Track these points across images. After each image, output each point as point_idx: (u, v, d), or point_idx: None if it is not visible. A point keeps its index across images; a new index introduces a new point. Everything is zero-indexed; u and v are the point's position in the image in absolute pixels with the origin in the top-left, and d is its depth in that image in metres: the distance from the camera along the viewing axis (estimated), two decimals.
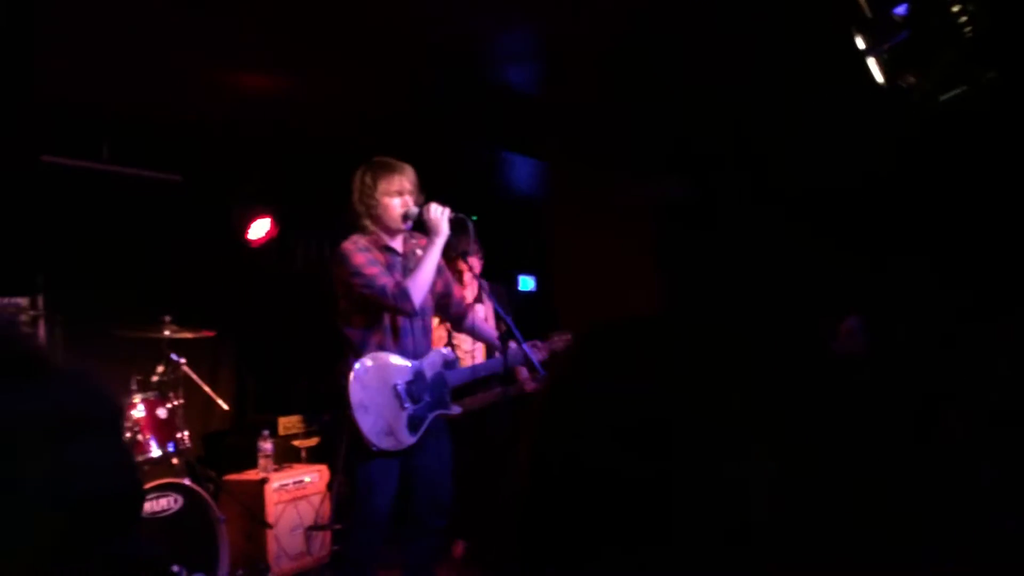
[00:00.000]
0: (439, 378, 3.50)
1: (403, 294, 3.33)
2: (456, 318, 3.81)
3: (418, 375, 3.44)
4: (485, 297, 4.97)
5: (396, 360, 3.41)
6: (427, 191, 3.64)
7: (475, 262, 4.91)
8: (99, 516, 1.18)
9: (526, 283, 7.45)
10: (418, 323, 3.50)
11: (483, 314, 4.89)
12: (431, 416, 3.44)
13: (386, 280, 3.34)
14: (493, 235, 4.98)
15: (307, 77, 5.14)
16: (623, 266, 5.62)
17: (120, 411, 1.23)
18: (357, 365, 3.31)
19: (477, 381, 3.96)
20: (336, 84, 5.30)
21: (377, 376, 3.34)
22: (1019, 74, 3.75)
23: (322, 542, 4.99)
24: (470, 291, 4.90)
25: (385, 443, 3.28)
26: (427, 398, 3.43)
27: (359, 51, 4.90)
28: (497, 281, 5.30)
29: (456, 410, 3.57)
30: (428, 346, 3.56)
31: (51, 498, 1.14)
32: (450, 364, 3.58)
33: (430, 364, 3.50)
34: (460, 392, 4.06)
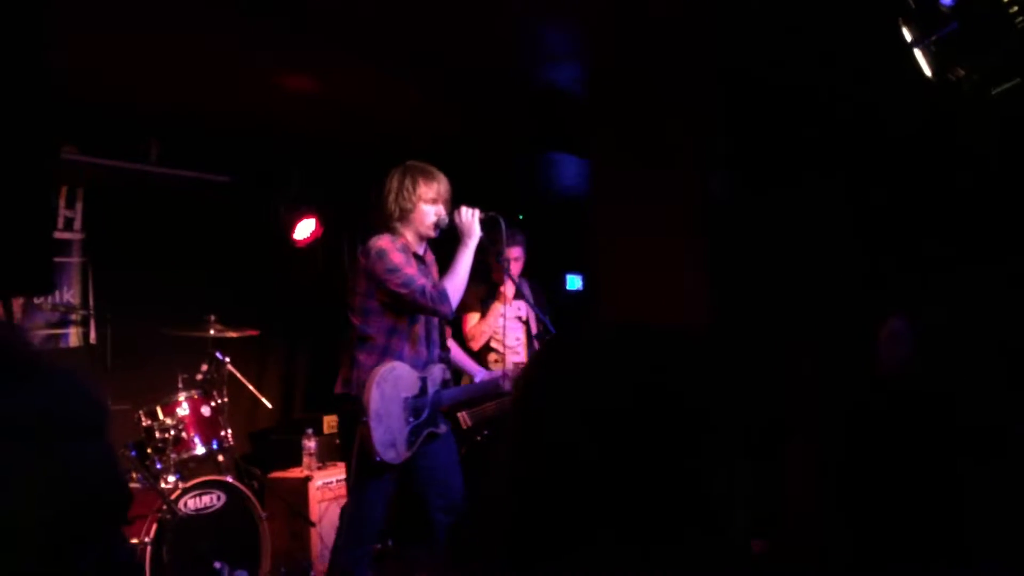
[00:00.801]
0: (436, 396, 3.48)
1: (442, 296, 3.31)
2: None
3: (422, 390, 3.42)
4: (524, 294, 4.94)
5: (410, 371, 3.39)
6: (473, 191, 3.63)
7: (516, 256, 4.89)
8: (85, 519, 1.18)
9: (573, 282, 7.41)
10: (433, 333, 3.49)
11: (524, 312, 4.86)
12: (425, 433, 3.41)
13: (424, 281, 3.32)
14: (540, 234, 4.97)
15: (354, 78, 5.17)
16: (672, 265, 5.53)
17: (108, 414, 1.23)
18: (377, 373, 3.28)
19: (472, 399, 3.95)
20: (382, 85, 5.32)
21: (394, 386, 3.32)
22: None
23: None
24: (509, 287, 4.87)
25: (388, 455, 3.25)
26: (425, 414, 3.41)
27: (403, 51, 4.92)
28: (542, 280, 5.26)
29: (443, 428, 3.52)
30: (437, 358, 3.54)
31: (37, 500, 1.14)
32: (446, 383, 3.55)
33: (432, 380, 3.48)
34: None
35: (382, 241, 3.37)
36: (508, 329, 4.82)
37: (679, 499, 0.96)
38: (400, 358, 3.38)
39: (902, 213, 4.71)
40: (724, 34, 4.73)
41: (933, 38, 3.36)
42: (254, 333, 4.89)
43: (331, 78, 5.11)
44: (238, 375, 4.76)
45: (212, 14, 3.99)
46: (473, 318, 4.84)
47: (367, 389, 3.23)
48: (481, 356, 4.85)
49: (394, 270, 3.30)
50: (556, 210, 6.75)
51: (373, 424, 3.20)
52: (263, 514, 4.27)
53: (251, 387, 4.90)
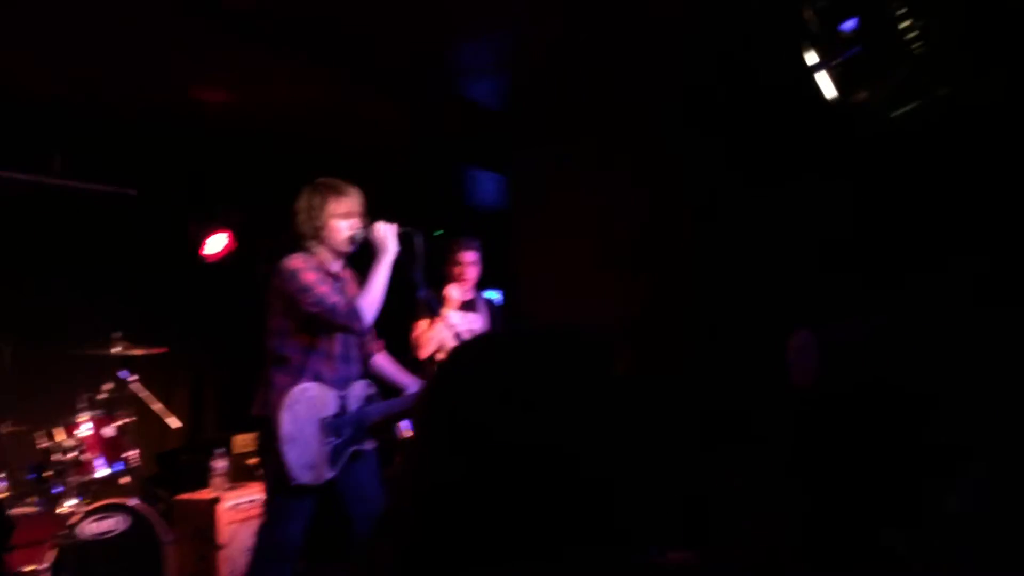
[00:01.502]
0: (361, 413, 3.43)
1: (354, 312, 3.28)
2: (364, 356, 3.69)
3: (343, 408, 3.37)
4: (480, 307, 4.89)
5: (326, 391, 3.33)
6: (388, 207, 3.59)
7: (472, 260, 4.83)
8: None
9: (492, 297, 7.41)
10: (352, 351, 3.44)
11: (478, 326, 4.81)
12: (349, 451, 3.36)
13: (337, 299, 3.29)
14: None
15: (267, 90, 5.10)
16: (594, 279, 5.56)
17: None
18: (288, 396, 3.22)
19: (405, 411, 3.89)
20: (297, 99, 5.25)
21: (307, 408, 3.26)
22: None
23: None
24: (460, 290, 4.82)
25: (306, 477, 3.20)
26: (348, 433, 3.36)
27: (320, 65, 4.87)
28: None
29: (370, 446, 3.47)
30: (358, 375, 3.50)
31: None
32: (371, 399, 3.50)
33: (355, 397, 3.42)
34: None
35: (294, 261, 3.33)
36: (458, 341, 4.72)
37: (592, 511, 0.95)
38: (319, 378, 3.34)
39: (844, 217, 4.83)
40: (654, 49, 4.80)
41: (835, 62, 3.47)
42: (162, 351, 4.75)
43: (244, 89, 5.02)
44: (144, 394, 4.61)
45: (130, 12, 3.88)
46: (421, 324, 4.76)
47: (276, 413, 3.19)
48: (428, 365, 4.75)
49: (306, 289, 3.27)
50: (474, 226, 6.74)
51: (285, 448, 3.16)
52: (169, 537, 4.14)
53: (158, 406, 4.75)
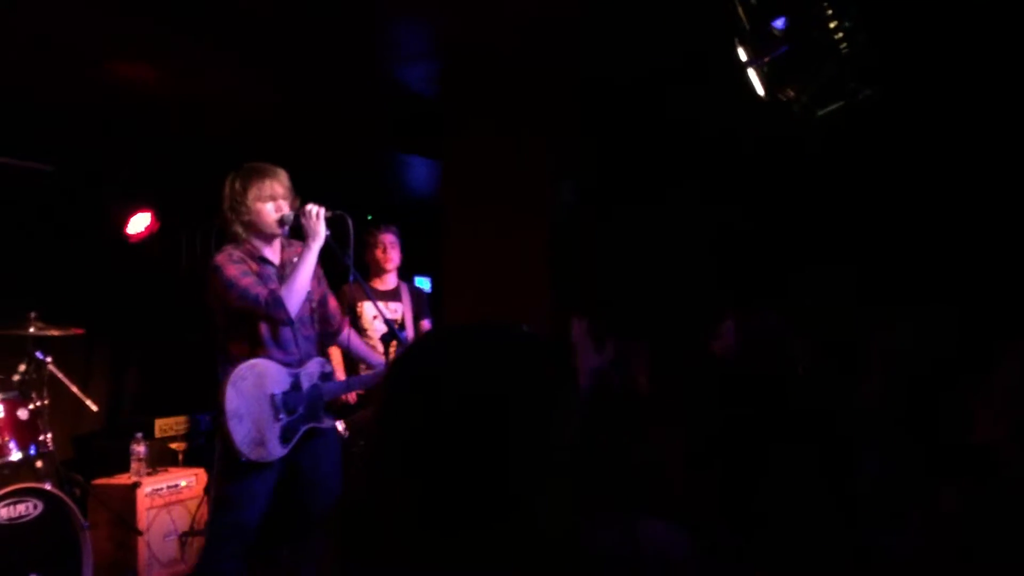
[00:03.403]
0: (315, 390, 3.41)
1: (276, 302, 3.25)
2: (330, 333, 3.69)
3: (295, 385, 3.35)
4: (404, 296, 4.85)
5: (275, 368, 3.31)
6: (316, 191, 3.54)
7: (391, 241, 4.79)
8: None
9: (422, 285, 7.39)
10: (300, 333, 3.40)
11: (400, 314, 4.78)
12: (303, 428, 3.34)
13: (259, 290, 3.26)
14: None
15: (194, 68, 4.97)
16: (517, 269, 5.59)
17: None
18: (234, 372, 3.19)
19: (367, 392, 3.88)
20: (226, 78, 5.14)
21: (255, 384, 3.23)
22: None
23: (198, 549, 4.82)
24: (388, 281, 4.77)
25: (254, 454, 3.17)
26: (301, 410, 3.34)
27: (247, 44, 4.77)
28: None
29: (328, 423, 3.46)
30: (312, 353, 3.47)
31: None
32: (327, 376, 3.48)
33: (308, 375, 3.40)
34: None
35: (218, 256, 3.31)
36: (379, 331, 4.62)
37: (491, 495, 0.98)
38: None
39: (749, 220, 4.96)
40: (584, 42, 4.82)
41: (766, 59, 3.54)
42: (80, 332, 4.61)
43: (170, 67, 4.90)
44: (61, 376, 4.47)
45: None
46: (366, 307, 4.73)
47: (222, 389, 3.17)
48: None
49: (229, 285, 3.25)
50: (405, 212, 6.71)
51: (232, 424, 3.13)
52: (85, 523, 4.02)
53: (75, 388, 4.60)
